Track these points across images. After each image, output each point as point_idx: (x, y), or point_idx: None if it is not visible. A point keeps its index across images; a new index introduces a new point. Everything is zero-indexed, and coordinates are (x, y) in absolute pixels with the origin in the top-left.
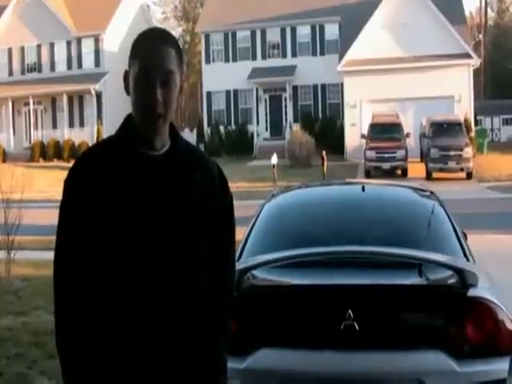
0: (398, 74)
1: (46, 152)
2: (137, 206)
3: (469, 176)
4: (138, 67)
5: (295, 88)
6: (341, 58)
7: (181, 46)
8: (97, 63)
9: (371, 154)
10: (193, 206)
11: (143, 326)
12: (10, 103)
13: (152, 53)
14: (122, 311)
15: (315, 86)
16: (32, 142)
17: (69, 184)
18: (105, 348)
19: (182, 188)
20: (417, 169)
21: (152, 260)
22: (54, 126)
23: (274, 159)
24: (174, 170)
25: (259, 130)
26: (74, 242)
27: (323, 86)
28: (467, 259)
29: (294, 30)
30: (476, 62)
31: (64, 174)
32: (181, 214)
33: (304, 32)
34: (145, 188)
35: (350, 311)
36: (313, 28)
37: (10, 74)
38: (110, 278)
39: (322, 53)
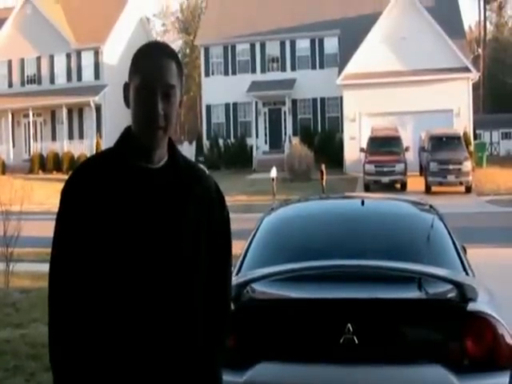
0: (397, 88)
1: (45, 164)
2: (133, 219)
3: (468, 190)
4: (139, 80)
5: (294, 101)
6: (340, 71)
7: (180, 58)
8: (96, 76)
9: (370, 167)
10: (191, 219)
11: (139, 338)
12: (10, 115)
13: (153, 66)
14: (118, 325)
15: (314, 100)
16: (31, 153)
17: (65, 194)
18: (99, 362)
19: (179, 201)
20: (416, 182)
21: (149, 273)
22: (54, 138)
23: (274, 172)
24: (172, 184)
25: (258, 143)
26: (69, 252)
27: (322, 100)
28: (466, 273)
29: (293, 44)
30: (475, 75)
31: None
32: (178, 228)
33: (303, 45)
34: (142, 201)
35: (349, 325)
36: (312, 41)
37: (10, 85)
38: (105, 291)
39: (322, 66)
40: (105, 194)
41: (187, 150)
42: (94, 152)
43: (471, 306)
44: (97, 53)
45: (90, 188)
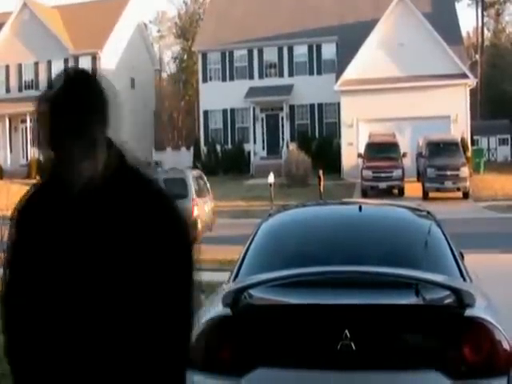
0: (394, 94)
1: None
2: (54, 249)
3: (465, 196)
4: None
5: (292, 107)
6: (338, 77)
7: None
8: None
9: (368, 173)
10: (117, 246)
11: (65, 361)
12: (7, 120)
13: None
14: (49, 346)
15: (312, 106)
16: (29, 159)
17: (12, 221)
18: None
19: (105, 227)
20: (413, 188)
21: (70, 305)
22: None
23: (271, 178)
24: (96, 208)
25: (256, 148)
26: (12, 277)
27: (320, 106)
28: (464, 279)
29: (291, 50)
30: (472, 81)
31: None
32: (101, 252)
33: (301, 51)
34: (62, 229)
35: (346, 331)
36: (310, 47)
37: (8, 90)
38: (34, 315)
39: (319, 72)
40: (34, 225)
41: (185, 156)
42: None
43: (469, 312)
44: (94, 58)
45: (28, 216)
